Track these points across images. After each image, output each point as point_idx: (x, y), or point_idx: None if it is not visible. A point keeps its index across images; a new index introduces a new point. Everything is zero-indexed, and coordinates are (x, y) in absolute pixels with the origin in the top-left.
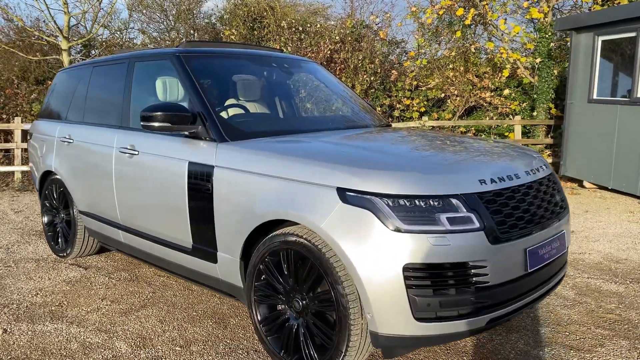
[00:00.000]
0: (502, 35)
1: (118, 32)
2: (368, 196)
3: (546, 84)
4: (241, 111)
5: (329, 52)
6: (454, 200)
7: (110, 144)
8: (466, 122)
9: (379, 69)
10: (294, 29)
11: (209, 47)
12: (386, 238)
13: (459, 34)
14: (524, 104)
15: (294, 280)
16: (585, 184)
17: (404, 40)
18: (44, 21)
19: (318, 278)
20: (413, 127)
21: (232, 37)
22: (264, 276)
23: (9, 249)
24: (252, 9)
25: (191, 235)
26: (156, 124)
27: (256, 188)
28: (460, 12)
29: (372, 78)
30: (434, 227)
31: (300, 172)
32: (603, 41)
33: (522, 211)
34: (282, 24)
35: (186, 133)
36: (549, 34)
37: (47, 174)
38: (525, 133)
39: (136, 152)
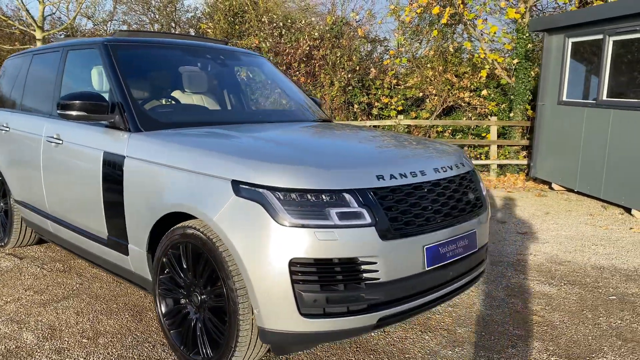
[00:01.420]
0: (480, 35)
1: (102, 24)
2: (260, 189)
3: (523, 85)
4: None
5: (307, 48)
6: (346, 195)
7: (40, 132)
8: (443, 122)
9: (357, 67)
10: (274, 25)
11: (144, 37)
12: (273, 232)
13: (435, 32)
14: (503, 105)
15: (192, 275)
16: (554, 186)
17: (387, 38)
18: (24, 11)
19: (213, 272)
20: (356, 124)
21: (209, 30)
22: (167, 270)
23: None
24: (234, 3)
25: (106, 226)
26: (73, 113)
27: (160, 179)
28: (436, 10)
29: (349, 75)
30: (322, 221)
31: (199, 164)
32: (573, 43)
33: (422, 208)
34: (262, 19)
35: (106, 123)
36: (527, 34)
37: None
38: (503, 134)
39: (60, 142)
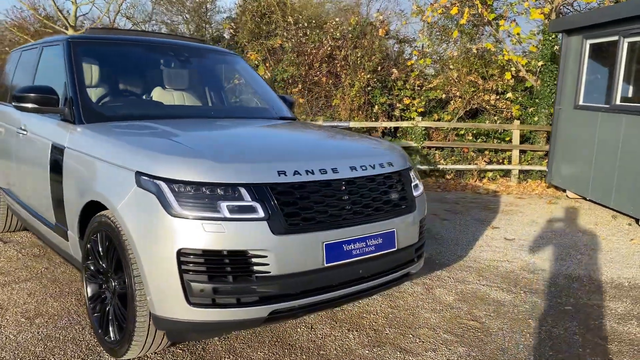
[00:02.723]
0: (508, 35)
1: (141, 24)
2: (157, 181)
3: (548, 88)
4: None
5: (329, 48)
6: (242, 189)
7: (14, 124)
8: (463, 125)
9: (379, 67)
10: (299, 25)
11: (113, 34)
12: (164, 222)
13: (455, 33)
14: (531, 108)
15: (107, 262)
16: (568, 193)
17: (415, 39)
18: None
19: (119, 260)
20: (309, 122)
21: (231, 30)
22: (90, 256)
23: None
24: (262, 3)
25: (53, 213)
26: (26, 105)
27: (86, 169)
28: (454, 11)
29: (368, 76)
30: (211, 214)
31: (113, 155)
32: (591, 44)
33: (327, 205)
34: (288, 19)
35: (60, 115)
36: (553, 36)
37: None
38: (529, 139)
39: (25, 132)
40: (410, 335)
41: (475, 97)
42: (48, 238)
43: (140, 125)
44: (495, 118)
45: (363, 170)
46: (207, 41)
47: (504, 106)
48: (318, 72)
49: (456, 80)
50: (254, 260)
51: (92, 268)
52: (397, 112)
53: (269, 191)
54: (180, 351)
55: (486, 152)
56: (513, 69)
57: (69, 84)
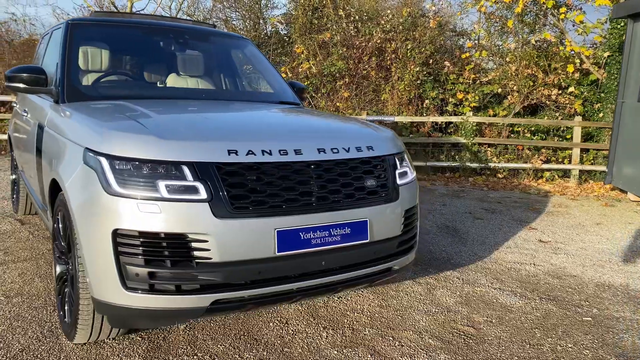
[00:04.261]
0: (573, 25)
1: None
2: (98, 157)
3: (615, 81)
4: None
5: (379, 41)
6: (185, 168)
7: (23, 107)
8: (516, 120)
9: (430, 60)
10: (352, 18)
11: (117, 17)
12: (102, 201)
13: (510, 23)
14: (597, 104)
15: (66, 242)
16: (630, 196)
17: (474, 31)
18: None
19: (70, 240)
20: (313, 109)
21: (279, 23)
22: (56, 236)
23: None
24: None
25: (40, 194)
26: (19, 85)
27: (53, 147)
28: None
29: (418, 69)
30: (147, 193)
31: (71, 132)
32: None
33: (283, 188)
34: (339, 13)
35: (49, 96)
36: (622, 24)
37: (10, 137)
38: (593, 136)
39: (26, 114)
40: (390, 338)
41: (534, 91)
42: (43, 219)
43: (116, 105)
44: (557, 114)
45: (334, 153)
46: (253, 37)
47: (567, 101)
48: (367, 66)
49: (514, 74)
50: (194, 245)
51: (58, 248)
52: (449, 107)
53: (214, 171)
54: (140, 339)
55: (543, 151)
56: (577, 61)
57: (60, 64)
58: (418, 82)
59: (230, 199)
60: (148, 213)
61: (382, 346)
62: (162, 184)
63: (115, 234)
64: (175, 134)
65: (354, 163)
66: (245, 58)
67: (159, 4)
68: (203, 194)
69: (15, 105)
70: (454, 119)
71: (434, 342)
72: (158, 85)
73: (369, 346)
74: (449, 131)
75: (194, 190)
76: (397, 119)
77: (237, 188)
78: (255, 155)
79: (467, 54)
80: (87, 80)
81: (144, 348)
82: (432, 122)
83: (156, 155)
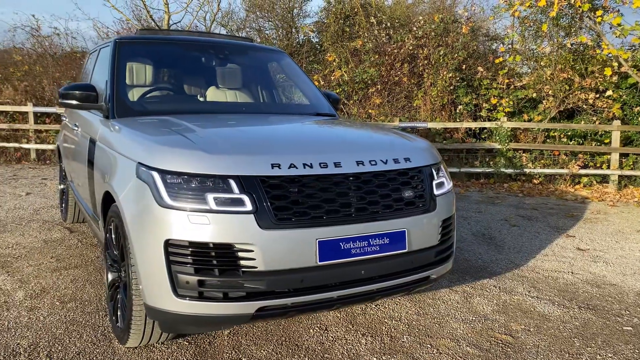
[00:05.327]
0: (610, 28)
1: (236, 31)
2: (151, 171)
3: None
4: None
5: (411, 48)
6: (231, 181)
7: (73, 121)
8: (554, 125)
9: (463, 65)
10: (383, 25)
11: (162, 34)
12: (154, 213)
13: (544, 27)
14: (638, 107)
15: (118, 251)
16: None
17: (505, 35)
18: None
19: (123, 249)
20: (351, 119)
21: (310, 32)
22: (108, 245)
23: (37, 212)
24: (345, 5)
25: (91, 203)
26: (71, 102)
27: (106, 161)
28: (542, 2)
29: (451, 74)
30: (197, 205)
31: (124, 147)
32: None
33: (324, 200)
34: (371, 20)
35: (102, 112)
36: None
37: (59, 148)
38: (632, 141)
39: (77, 128)
40: (428, 345)
41: (570, 96)
42: (93, 228)
43: (163, 120)
44: (594, 118)
45: (372, 165)
46: (285, 46)
47: (604, 105)
48: (399, 72)
49: (549, 78)
50: (240, 254)
51: (109, 256)
52: (483, 113)
53: (259, 184)
54: (187, 343)
55: (580, 156)
56: (615, 64)
57: (109, 80)
58: (451, 87)
59: (274, 210)
60: (198, 224)
61: (420, 354)
62: (210, 197)
63: (167, 244)
64: (222, 148)
65: (391, 175)
66: (282, 70)
67: (195, 17)
68: (249, 206)
69: (64, 118)
70: (488, 124)
71: (472, 350)
72: (199, 99)
73: (408, 353)
74: (483, 137)
75: (240, 202)
76: (430, 125)
77: (280, 200)
78: (297, 168)
79: (501, 59)
80: (133, 95)
81: (191, 352)
82: (466, 127)
83: (204, 170)
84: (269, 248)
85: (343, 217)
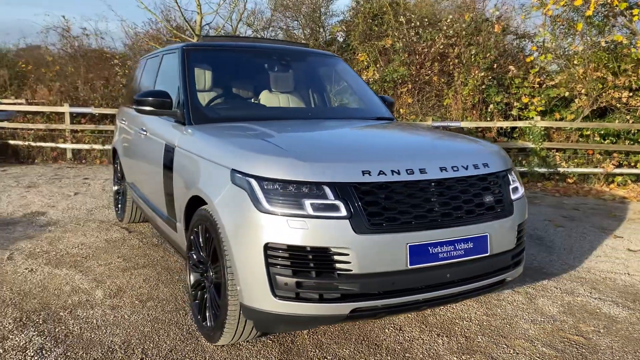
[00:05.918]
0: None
1: (261, 31)
2: (247, 178)
3: None
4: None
5: (442, 47)
6: (325, 188)
7: (137, 125)
8: (587, 124)
9: (494, 64)
10: (412, 24)
11: (224, 41)
12: (253, 217)
13: (580, 26)
14: None
15: (205, 252)
16: None
17: (535, 33)
18: (186, 22)
19: (216, 251)
20: (410, 122)
21: (340, 32)
22: (193, 247)
23: (91, 212)
24: (374, 5)
25: (165, 206)
26: (145, 108)
27: (191, 167)
28: (579, 2)
29: (483, 74)
30: (295, 211)
31: (213, 154)
32: None
33: (412, 206)
34: (400, 19)
35: (174, 118)
36: None
37: (115, 151)
38: None
39: (145, 133)
40: (504, 346)
41: (603, 94)
42: (162, 229)
43: (240, 127)
44: (628, 117)
45: (454, 171)
46: (313, 45)
47: (638, 104)
48: (429, 71)
49: (582, 77)
50: (336, 257)
51: (194, 258)
52: (514, 112)
53: (352, 190)
54: (270, 342)
55: (615, 155)
56: None
57: (181, 88)
58: (483, 86)
59: (367, 216)
60: (296, 229)
61: (498, 353)
62: (307, 203)
63: (266, 247)
64: (314, 156)
65: (472, 180)
66: (338, 75)
67: (226, 19)
68: (343, 212)
69: (123, 122)
70: (520, 123)
71: (548, 351)
72: (266, 105)
73: (486, 353)
74: (514, 136)
75: (335, 208)
76: (463, 124)
77: (372, 206)
78: (385, 175)
79: (532, 57)
80: (204, 101)
81: (276, 350)
82: (499, 127)
83: (300, 177)
84: (363, 252)
85: (430, 222)
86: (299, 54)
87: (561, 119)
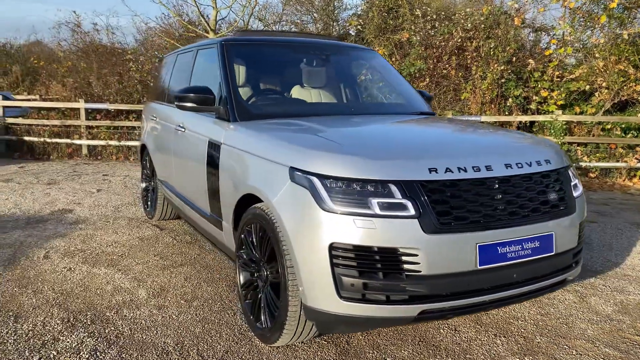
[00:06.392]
0: None
1: (272, 25)
2: (310, 176)
3: None
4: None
5: (459, 40)
6: (392, 186)
7: (172, 122)
8: (608, 118)
9: (514, 58)
10: (428, 18)
11: (259, 35)
12: (317, 216)
13: (604, 18)
14: None
15: (260, 252)
16: None
17: (554, 26)
18: (202, 17)
19: (272, 250)
20: (452, 117)
21: (359, 27)
22: (244, 245)
23: (118, 209)
24: None
25: (208, 204)
26: (187, 104)
27: (242, 164)
28: None
29: (502, 67)
30: (362, 210)
31: (268, 151)
32: None
33: (481, 204)
34: (415, 12)
35: (215, 114)
36: None
37: (143, 147)
38: None
39: (184, 130)
40: (565, 346)
41: (624, 87)
42: (202, 227)
43: (289, 123)
44: None
45: (519, 168)
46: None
47: None
48: (447, 65)
49: (602, 70)
50: (404, 258)
51: (245, 257)
52: (533, 105)
53: (420, 189)
54: (325, 342)
55: (638, 149)
56: None
57: (223, 84)
58: (502, 80)
59: (436, 215)
60: (364, 228)
61: (561, 354)
62: (374, 202)
63: (331, 247)
64: (377, 153)
65: (537, 177)
66: (375, 69)
67: (242, 13)
68: (412, 211)
69: (153, 118)
70: (541, 117)
71: (611, 352)
72: (307, 100)
73: (548, 354)
74: (534, 130)
75: (403, 207)
76: (483, 118)
77: (440, 205)
78: (452, 172)
79: (551, 51)
80: (245, 97)
81: (333, 351)
82: (519, 121)
83: (365, 174)
84: (433, 252)
85: (498, 221)
86: (336, 47)
87: (581, 113)
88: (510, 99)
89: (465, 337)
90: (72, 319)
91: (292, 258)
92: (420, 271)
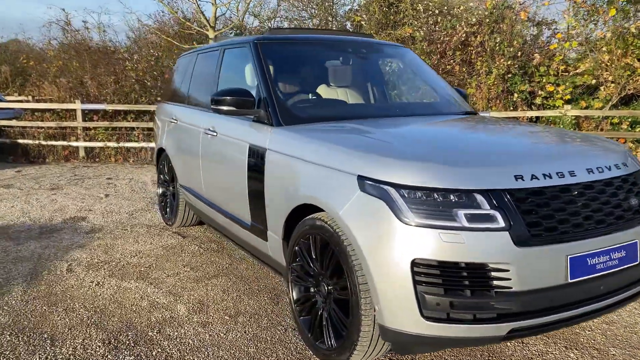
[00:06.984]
0: None
1: (267, 21)
2: (384, 186)
3: None
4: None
5: (464, 35)
6: (477, 196)
7: (199, 125)
8: (618, 112)
9: (519, 52)
10: (430, 12)
11: (292, 34)
12: (396, 230)
13: (613, 11)
14: None
15: (320, 265)
16: None
17: (555, 20)
18: (200, 13)
19: (338, 265)
20: (509, 117)
21: (363, 22)
22: (298, 258)
23: (132, 215)
24: None
25: (250, 213)
26: (224, 108)
27: (295, 172)
28: None
29: (508, 62)
30: (448, 222)
31: (329, 158)
32: None
33: (568, 213)
34: (417, 7)
35: (252, 117)
36: None
37: (161, 151)
38: None
39: (215, 134)
40: None
41: (631, 81)
42: (238, 236)
43: (342, 127)
44: None
45: (600, 172)
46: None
47: None
48: (451, 60)
49: (608, 64)
50: (494, 274)
51: (299, 270)
52: (538, 100)
53: (508, 198)
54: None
55: None
56: None
57: (262, 85)
58: (508, 75)
59: (527, 226)
60: (450, 243)
61: None
62: (461, 213)
63: (414, 263)
64: (458, 160)
65: (617, 182)
66: (409, 66)
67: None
68: (501, 223)
69: (173, 121)
70: (550, 113)
71: None
72: (348, 102)
73: None
74: None
75: (491, 218)
76: (492, 114)
77: (529, 215)
78: (538, 179)
79: (556, 45)
80: (287, 99)
81: None
82: (527, 117)
83: (447, 184)
84: (524, 267)
85: (585, 231)
86: (370, 45)
87: (586, 107)
88: (515, 94)
89: (535, 351)
90: (113, 341)
91: (367, 274)
92: (511, 287)
